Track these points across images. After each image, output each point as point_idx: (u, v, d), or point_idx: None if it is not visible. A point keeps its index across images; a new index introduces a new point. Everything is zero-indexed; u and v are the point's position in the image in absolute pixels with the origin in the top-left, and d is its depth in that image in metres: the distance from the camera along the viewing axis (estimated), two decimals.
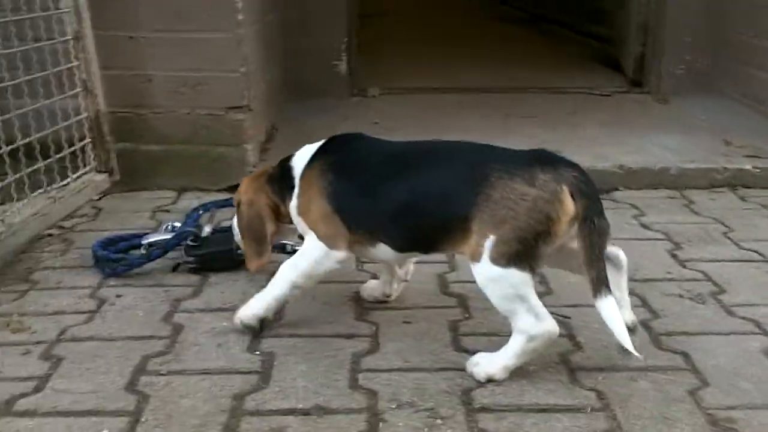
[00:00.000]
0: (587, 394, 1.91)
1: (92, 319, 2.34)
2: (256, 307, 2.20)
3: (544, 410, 1.85)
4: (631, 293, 2.41)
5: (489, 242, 1.89)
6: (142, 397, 1.93)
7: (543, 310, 1.93)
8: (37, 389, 1.97)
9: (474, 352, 2.08)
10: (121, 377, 2.01)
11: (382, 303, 2.40)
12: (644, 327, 2.23)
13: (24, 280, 2.63)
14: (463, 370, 2.01)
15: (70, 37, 3.20)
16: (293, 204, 2.21)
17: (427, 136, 3.97)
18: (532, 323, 1.91)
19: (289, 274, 2.17)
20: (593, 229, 1.87)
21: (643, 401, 1.88)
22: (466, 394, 1.91)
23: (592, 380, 1.97)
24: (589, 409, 1.84)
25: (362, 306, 2.40)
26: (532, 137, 4.06)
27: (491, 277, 1.91)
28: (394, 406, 1.87)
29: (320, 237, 2.13)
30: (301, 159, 2.26)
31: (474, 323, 2.28)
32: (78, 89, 3.24)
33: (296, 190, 2.21)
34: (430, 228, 2.03)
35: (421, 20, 9.10)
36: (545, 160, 1.95)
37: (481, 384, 1.95)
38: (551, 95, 5.24)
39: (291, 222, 2.29)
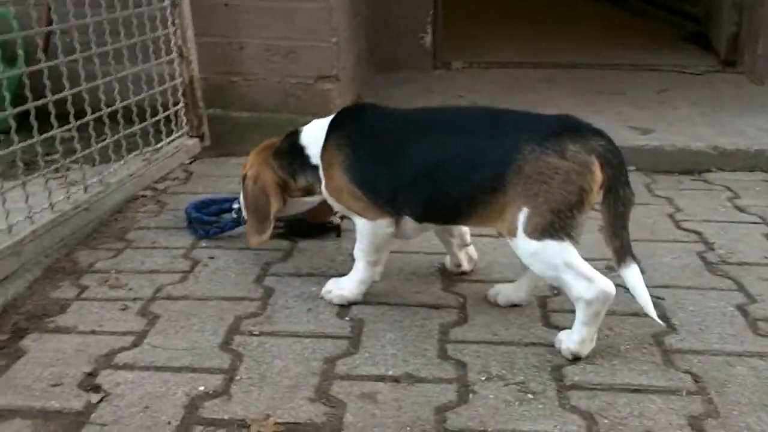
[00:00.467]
0: (682, 376, 1.87)
1: (186, 279, 2.40)
2: (347, 289, 2.22)
3: (637, 390, 1.82)
4: (726, 276, 2.36)
5: (523, 215, 1.88)
6: (236, 356, 1.97)
7: (593, 272, 1.90)
8: (135, 344, 2.04)
9: (563, 329, 2.06)
10: (215, 336, 2.07)
11: (463, 275, 2.40)
12: (740, 312, 2.17)
13: (120, 238, 2.71)
14: (553, 346, 2.00)
15: (167, 4, 3.26)
16: (323, 187, 2.19)
17: None
18: (584, 288, 1.89)
19: (360, 256, 2.19)
20: (618, 199, 1.87)
21: (740, 387, 1.83)
22: (556, 371, 1.90)
23: (687, 363, 1.93)
24: (685, 392, 1.81)
25: (449, 278, 2.39)
26: (620, 114, 3.97)
27: (530, 251, 1.91)
28: (483, 378, 1.87)
29: (356, 213, 2.14)
30: (313, 136, 2.22)
31: (563, 300, 2.24)
32: (173, 55, 3.31)
33: (321, 173, 2.19)
34: (453, 197, 1.99)
35: None
36: (574, 129, 1.91)
37: (571, 361, 1.93)
38: (640, 73, 5.09)
39: (299, 196, 2.33)
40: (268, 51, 3.46)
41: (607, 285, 1.88)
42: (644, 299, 1.86)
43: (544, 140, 1.88)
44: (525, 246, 1.91)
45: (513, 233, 1.92)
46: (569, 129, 1.91)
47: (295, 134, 2.28)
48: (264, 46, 3.46)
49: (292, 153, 2.27)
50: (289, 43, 3.45)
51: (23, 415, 1.75)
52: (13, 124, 2.38)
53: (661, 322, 1.98)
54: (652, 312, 1.87)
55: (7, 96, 2.39)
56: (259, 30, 3.44)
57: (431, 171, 1.99)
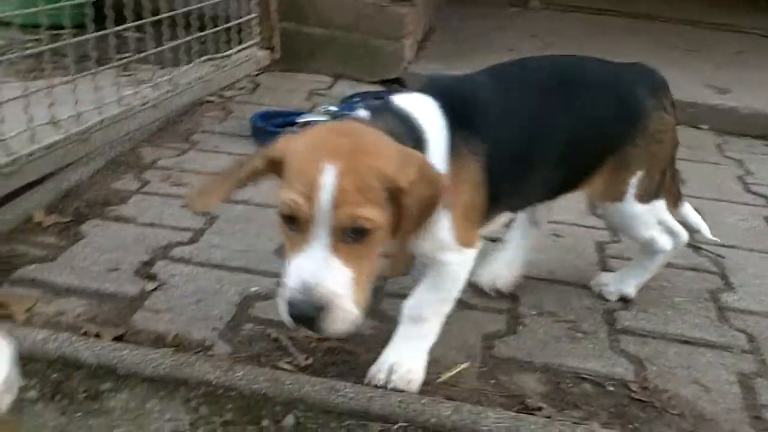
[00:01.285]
0: (736, 334, 1.83)
1: (246, 186, 2.41)
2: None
3: (687, 342, 1.79)
4: None
5: (635, 179, 1.74)
6: None
7: (677, 225, 1.90)
8: (192, 240, 2.07)
9: None
10: (271, 242, 2.08)
11: None
12: None
13: (185, 139, 2.73)
14: None
15: None
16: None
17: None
18: (667, 241, 1.87)
19: (438, 312, 1.59)
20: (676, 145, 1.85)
21: None
22: (609, 314, 1.87)
23: (742, 322, 1.89)
24: (738, 350, 1.77)
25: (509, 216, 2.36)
26: (697, 72, 3.84)
27: (635, 215, 1.80)
28: (534, 313, 1.86)
29: (458, 243, 1.52)
30: (434, 131, 1.47)
31: (622, 247, 2.21)
32: None
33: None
34: (583, 166, 1.72)
35: None
36: (658, 79, 1.80)
37: (625, 306, 1.91)
38: (719, 33, 4.91)
39: None
40: None
41: (685, 235, 1.90)
42: (704, 225, 2.00)
43: (656, 94, 1.75)
44: (631, 210, 1.77)
45: (619, 197, 1.75)
46: (660, 81, 1.80)
47: (406, 122, 1.44)
48: None
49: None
50: None
51: (79, 294, 1.79)
52: (90, 13, 2.38)
53: (714, 238, 2.04)
54: (708, 232, 2.00)
55: None
56: None
57: (571, 143, 1.65)
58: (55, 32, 2.35)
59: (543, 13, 5.01)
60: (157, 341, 1.63)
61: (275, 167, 1.31)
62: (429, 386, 1.57)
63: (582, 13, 5.02)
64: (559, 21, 4.79)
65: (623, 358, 1.71)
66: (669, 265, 2.03)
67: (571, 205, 2.42)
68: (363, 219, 1.23)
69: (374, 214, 1.23)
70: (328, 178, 1.21)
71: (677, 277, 2.06)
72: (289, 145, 1.30)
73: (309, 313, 1.23)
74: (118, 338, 1.61)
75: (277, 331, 1.70)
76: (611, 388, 1.61)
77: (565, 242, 2.22)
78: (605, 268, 2.08)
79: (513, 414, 1.45)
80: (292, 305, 1.23)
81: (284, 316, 1.27)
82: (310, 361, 1.62)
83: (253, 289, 1.86)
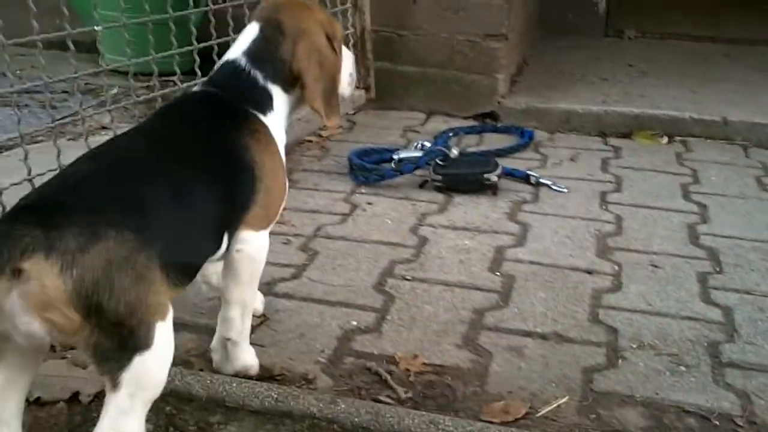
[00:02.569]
0: None
1: (345, 221, 2.48)
2: None
3: None
4: None
5: None
6: (388, 297, 2.03)
7: None
8: (294, 276, 2.14)
9: (724, 308, 1.99)
10: (370, 277, 2.13)
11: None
12: None
13: None
14: (713, 322, 1.93)
15: None
16: None
17: (684, 86, 3.82)
18: None
19: None
20: None
21: None
22: (713, 347, 1.83)
23: None
24: None
25: (605, 244, 2.35)
26: None
27: None
28: (635, 346, 1.83)
29: None
30: None
31: (725, 278, 2.16)
32: (348, 5, 3.38)
33: None
34: None
35: None
36: None
37: (730, 339, 1.86)
38: None
39: None
40: (439, 6, 3.46)
41: None
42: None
43: None
44: None
45: None
46: None
47: None
48: (436, 0, 3.46)
49: None
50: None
51: (190, 329, 1.88)
52: (198, 60, 2.51)
53: None
54: None
55: (193, 32, 2.52)
56: None
57: None
58: (166, 78, 2.49)
59: (639, 42, 4.94)
60: (263, 374, 1.70)
61: None
62: (529, 420, 1.58)
63: (679, 41, 4.93)
64: (655, 49, 4.72)
65: (728, 391, 1.67)
66: None
67: (669, 234, 2.40)
68: None
69: None
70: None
71: None
72: (318, 18, 1.70)
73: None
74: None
75: (377, 364, 1.74)
76: (716, 423, 1.57)
77: (664, 273, 2.18)
78: (707, 299, 2.04)
79: None
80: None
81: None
82: (409, 394, 1.65)
83: (354, 323, 1.91)
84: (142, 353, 1.20)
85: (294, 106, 1.71)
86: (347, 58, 1.78)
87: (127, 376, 1.20)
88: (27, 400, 1.49)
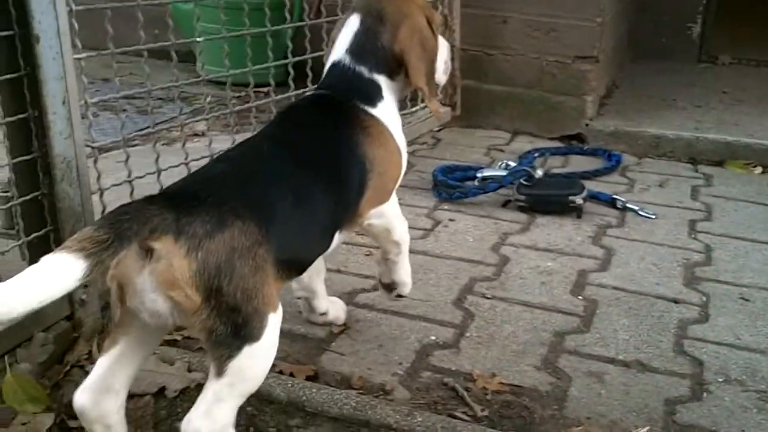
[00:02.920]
0: None
1: (427, 236, 2.50)
2: None
3: None
4: None
5: None
6: (467, 314, 2.03)
7: None
8: (375, 288, 2.14)
9: None
10: (450, 292, 2.14)
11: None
12: None
13: None
14: None
15: None
16: None
17: None
18: None
19: None
20: None
21: None
22: None
23: None
24: None
25: (693, 274, 2.29)
26: None
27: None
28: (721, 380, 1.78)
29: None
30: None
31: None
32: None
33: None
34: None
35: None
36: None
37: None
38: None
39: None
40: (529, 26, 3.46)
41: None
42: None
43: None
44: None
45: None
46: None
47: None
48: (527, 21, 3.46)
49: None
50: (552, 20, 3.42)
51: None
52: (292, 73, 2.57)
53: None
54: None
55: (288, 45, 2.58)
56: (524, 5, 3.44)
57: None
58: (259, 90, 2.56)
59: (734, 68, 4.81)
60: (342, 382, 1.72)
61: None
62: None
63: None
64: (751, 77, 4.59)
65: None
66: None
67: (761, 267, 2.33)
68: None
69: None
70: None
71: None
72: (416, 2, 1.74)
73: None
74: (310, 378, 1.71)
75: (454, 380, 1.74)
76: None
77: (754, 307, 2.11)
78: None
79: None
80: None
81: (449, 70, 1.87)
82: (486, 412, 1.64)
83: (432, 337, 1.92)
84: (252, 344, 1.26)
85: (401, 92, 1.77)
86: (443, 45, 1.81)
87: (234, 365, 1.25)
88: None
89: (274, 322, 1.30)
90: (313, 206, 1.48)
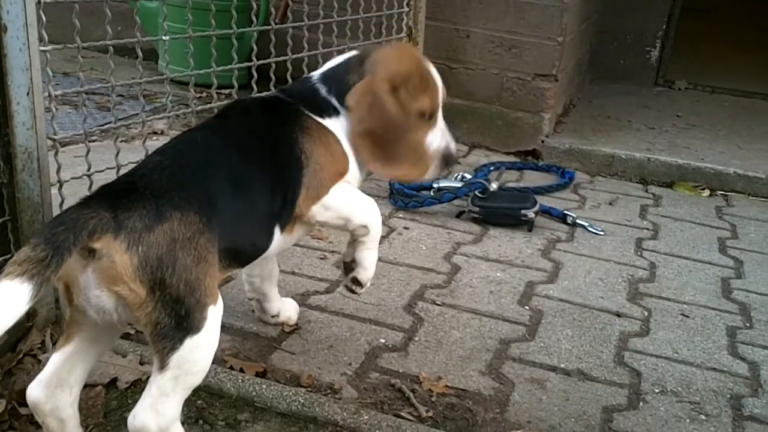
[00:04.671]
0: None
1: (381, 243, 2.52)
2: None
3: None
4: None
5: None
6: (417, 319, 2.08)
7: None
8: (328, 291, 2.20)
9: (751, 362, 2.00)
10: (401, 298, 2.19)
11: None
12: None
13: None
14: (738, 375, 1.94)
15: None
16: None
17: (731, 141, 3.83)
18: None
19: None
20: None
21: None
22: (735, 400, 1.85)
23: None
24: None
25: (636, 289, 2.37)
26: None
27: None
28: (657, 391, 1.86)
29: None
30: None
31: (754, 334, 2.17)
32: (403, 35, 3.46)
33: None
34: None
35: (750, 21, 8.47)
36: None
37: (754, 393, 1.87)
38: None
39: None
40: (492, 42, 3.53)
41: None
42: None
43: None
44: None
45: None
46: None
47: None
48: (489, 37, 3.53)
49: None
50: (514, 37, 3.50)
51: (225, 330, 1.94)
52: (255, 75, 2.60)
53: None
54: None
55: (253, 48, 2.62)
56: (488, 21, 3.52)
57: None
58: (222, 92, 2.58)
59: (689, 93, 4.96)
60: (292, 380, 1.75)
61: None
62: None
63: (730, 95, 4.93)
64: (705, 102, 4.73)
65: None
66: None
67: (702, 286, 2.42)
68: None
69: None
70: (438, 78, 1.73)
71: None
72: (395, 71, 1.65)
73: (457, 157, 1.69)
74: (260, 375, 1.74)
75: (401, 382, 1.78)
76: None
77: (693, 324, 2.20)
78: (735, 354, 2.05)
79: None
80: (453, 152, 1.75)
81: (439, 170, 1.76)
82: (430, 413, 1.69)
83: (382, 340, 1.96)
84: (193, 336, 1.28)
85: None
86: (437, 131, 1.73)
87: (176, 357, 1.27)
88: None
89: (215, 314, 1.32)
90: (252, 195, 1.49)
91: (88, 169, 1.93)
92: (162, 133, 3.33)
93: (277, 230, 1.58)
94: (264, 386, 1.64)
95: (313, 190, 1.61)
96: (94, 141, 2.92)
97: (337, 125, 1.67)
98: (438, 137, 1.72)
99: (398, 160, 1.69)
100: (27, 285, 1.11)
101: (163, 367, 1.28)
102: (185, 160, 1.43)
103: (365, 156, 1.66)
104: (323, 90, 1.68)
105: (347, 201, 1.69)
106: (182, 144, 1.53)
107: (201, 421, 1.57)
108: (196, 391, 1.61)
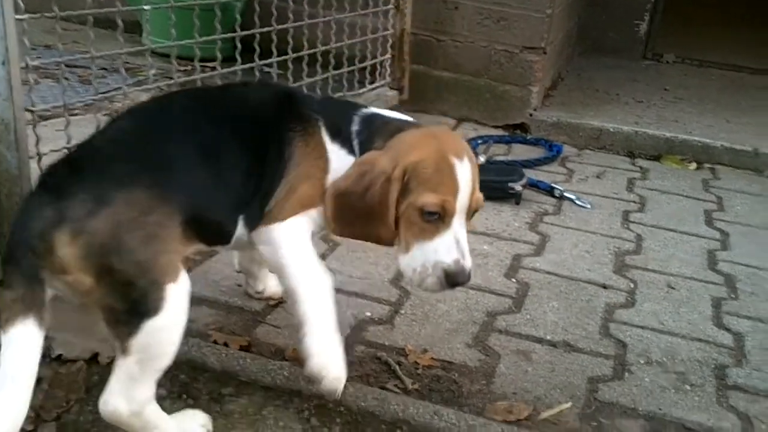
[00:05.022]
0: None
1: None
2: None
3: None
4: None
5: None
6: (403, 292, 2.07)
7: None
8: None
9: (736, 333, 2.01)
10: (387, 272, 2.17)
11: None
12: None
13: None
14: (723, 346, 1.95)
15: None
16: None
17: (718, 114, 3.82)
18: None
19: None
20: None
21: None
22: (720, 370, 1.85)
23: None
24: None
25: (623, 262, 2.37)
26: None
27: None
28: (642, 361, 1.86)
29: None
30: None
31: (739, 305, 2.17)
32: (390, 6, 3.43)
33: None
34: None
35: None
36: None
37: (738, 363, 1.88)
38: None
39: None
40: (480, 14, 3.50)
41: None
42: None
43: None
44: None
45: None
46: None
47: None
48: (477, 8, 3.50)
49: None
50: (503, 9, 3.47)
51: (210, 304, 1.93)
52: (239, 47, 2.56)
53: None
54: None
55: (237, 19, 2.58)
56: None
57: None
58: (205, 64, 2.55)
59: (677, 67, 4.95)
60: (276, 354, 1.75)
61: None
62: (530, 422, 1.61)
63: (718, 69, 4.93)
64: (693, 76, 4.73)
65: (731, 413, 1.69)
66: None
67: (688, 258, 2.42)
68: (482, 200, 1.56)
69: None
70: (466, 177, 1.47)
71: None
72: (407, 158, 1.45)
73: (469, 275, 1.48)
74: (244, 348, 1.73)
75: (387, 354, 1.78)
76: None
77: (679, 295, 2.20)
78: (720, 324, 2.06)
79: None
80: (460, 273, 1.46)
81: (439, 285, 1.47)
82: (416, 386, 1.69)
83: (368, 314, 1.95)
84: (152, 319, 1.24)
85: None
86: (447, 240, 1.46)
87: (137, 342, 1.24)
88: (49, 356, 1.56)
89: (176, 292, 1.26)
90: (223, 169, 1.41)
91: (68, 142, 1.90)
92: None
93: (241, 222, 1.48)
94: (248, 360, 1.63)
95: (277, 205, 1.48)
96: (75, 114, 2.88)
97: (337, 158, 1.53)
98: (446, 247, 1.46)
99: (358, 237, 1.55)
100: (31, 325, 1.18)
101: (125, 351, 1.26)
102: (151, 124, 1.38)
103: (326, 211, 1.49)
104: (356, 126, 1.56)
105: (293, 251, 1.49)
106: (157, 105, 1.49)
107: (185, 396, 1.56)
108: (180, 366, 1.61)
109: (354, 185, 1.46)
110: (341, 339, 1.47)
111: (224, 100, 1.55)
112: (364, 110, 1.60)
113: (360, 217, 1.48)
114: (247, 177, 1.46)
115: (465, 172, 1.47)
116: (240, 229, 1.49)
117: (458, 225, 1.47)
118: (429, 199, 1.43)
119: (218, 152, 1.42)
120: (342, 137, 1.55)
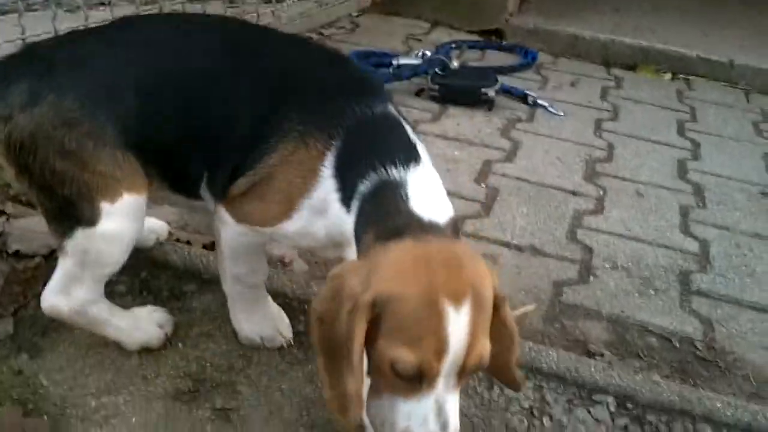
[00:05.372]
0: None
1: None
2: None
3: (764, 310, 1.77)
4: None
5: None
6: None
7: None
8: None
9: (702, 240, 2.02)
10: None
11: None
12: None
13: None
14: (688, 252, 1.95)
15: None
16: None
17: (695, 25, 3.74)
18: None
19: None
20: None
21: None
22: (684, 275, 1.86)
23: None
24: None
25: (593, 169, 2.35)
26: None
27: None
28: (608, 266, 1.86)
29: None
30: None
31: (707, 213, 2.18)
32: None
33: None
34: None
35: None
36: None
37: (702, 269, 1.89)
38: None
39: None
40: None
41: None
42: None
43: None
44: None
45: None
46: None
47: None
48: None
49: None
50: None
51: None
52: None
53: None
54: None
55: None
56: None
57: None
58: None
59: None
60: None
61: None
62: None
63: None
64: None
65: (693, 317, 1.71)
66: (758, 236, 2.03)
67: (659, 166, 2.41)
68: (487, 356, 1.07)
69: (488, 345, 1.08)
70: (460, 332, 1.03)
71: (762, 247, 2.03)
72: (381, 284, 1.04)
73: None
74: (207, 247, 1.70)
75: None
76: (677, 345, 1.61)
77: (647, 202, 2.20)
78: (687, 232, 2.06)
79: (574, 356, 1.48)
80: None
81: None
82: None
83: None
84: (86, 229, 1.21)
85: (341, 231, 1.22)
86: (425, 404, 1.05)
87: (72, 245, 1.22)
88: (6, 252, 1.53)
89: (114, 210, 1.20)
90: (201, 110, 1.24)
91: (23, 33, 1.82)
92: (109, 3, 3.16)
93: (204, 181, 1.29)
94: (211, 258, 1.60)
95: (238, 200, 1.27)
96: (35, 10, 2.76)
97: (325, 198, 1.21)
98: (421, 416, 1.06)
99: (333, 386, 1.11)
100: None
101: (61, 250, 1.24)
102: (126, 36, 1.28)
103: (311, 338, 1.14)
104: (364, 187, 1.17)
105: (234, 241, 1.33)
106: (152, 23, 1.39)
107: (144, 292, 1.54)
108: (141, 263, 1.58)
109: (326, 309, 1.09)
110: None
111: (269, 42, 1.33)
112: (394, 172, 1.18)
113: (328, 354, 1.10)
114: (231, 129, 1.24)
115: (459, 326, 1.02)
116: (204, 190, 1.33)
117: (444, 387, 1.05)
118: (401, 356, 1.03)
119: (206, 91, 1.24)
120: (345, 183, 1.20)
